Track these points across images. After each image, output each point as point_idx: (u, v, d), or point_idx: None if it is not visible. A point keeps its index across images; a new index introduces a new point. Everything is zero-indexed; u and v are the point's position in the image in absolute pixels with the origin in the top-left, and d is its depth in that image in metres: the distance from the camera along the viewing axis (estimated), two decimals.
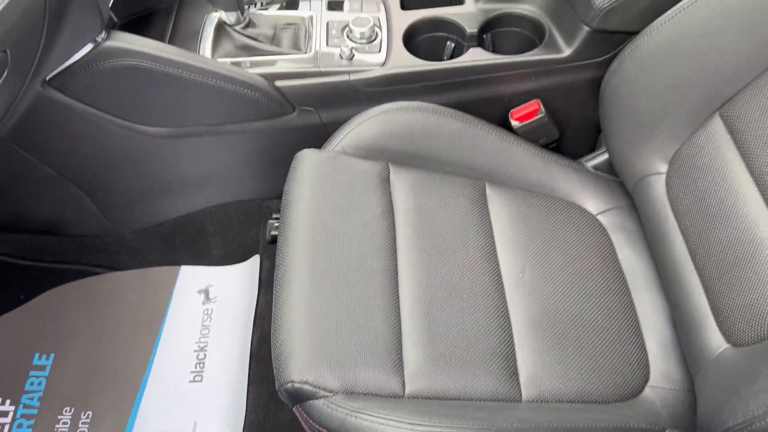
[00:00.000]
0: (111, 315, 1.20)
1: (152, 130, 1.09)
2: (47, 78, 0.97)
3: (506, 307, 0.87)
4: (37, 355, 1.16)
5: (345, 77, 1.05)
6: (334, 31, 1.10)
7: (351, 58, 1.06)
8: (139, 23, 1.16)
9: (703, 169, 0.87)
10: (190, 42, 1.09)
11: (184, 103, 1.06)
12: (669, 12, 0.88)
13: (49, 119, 1.03)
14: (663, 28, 0.89)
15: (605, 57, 1.02)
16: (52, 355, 1.16)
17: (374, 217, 0.90)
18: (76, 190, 1.17)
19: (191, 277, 1.25)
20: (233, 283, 1.24)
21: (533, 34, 1.11)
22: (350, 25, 1.09)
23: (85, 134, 1.07)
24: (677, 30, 0.88)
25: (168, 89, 1.03)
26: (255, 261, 1.25)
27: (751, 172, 0.80)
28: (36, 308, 1.22)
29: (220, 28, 1.10)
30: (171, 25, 1.14)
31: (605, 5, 0.94)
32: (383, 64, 1.06)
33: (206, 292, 1.23)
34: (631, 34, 0.94)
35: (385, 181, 0.95)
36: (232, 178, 1.22)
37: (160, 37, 1.11)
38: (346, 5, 1.15)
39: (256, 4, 1.15)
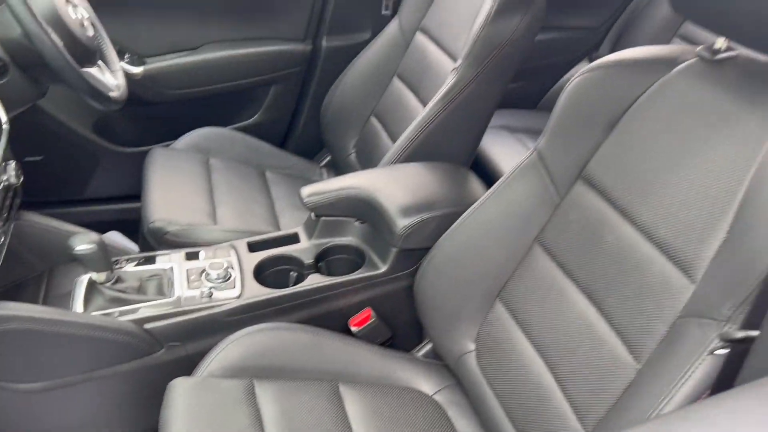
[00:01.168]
0: None
1: (24, 387, 1.13)
2: None
3: None
4: None
5: (207, 312, 1.21)
6: (193, 276, 1.26)
7: (210, 295, 1.23)
8: (10, 293, 1.27)
9: (497, 342, 1.11)
10: (63, 302, 1.20)
11: (56, 356, 1.13)
12: (448, 231, 1.18)
13: None
14: (446, 242, 1.19)
15: (413, 268, 1.29)
16: None
17: (245, 428, 1.02)
18: None
19: None
20: None
21: (357, 258, 1.36)
22: (207, 269, 1.26)
23: None
24: (456, 243, 1.18)
25: (41, 346, 1.10)
26: None
27: (529, 339, 1.06)
28: None
29: (91, 286, 1.21)
30: (43, 290, 1.26)
31: (403, 232, 1.25)
32: (239, 296, 1.23)
33: None
34: (427, 249, 1.21)
35: (251, 395, 1.08)
36: (105, 421, 1.26)
37: (32, 302, 1.22)
38: (201, 254, 1.33)
39: (119, 263, 1.32)
